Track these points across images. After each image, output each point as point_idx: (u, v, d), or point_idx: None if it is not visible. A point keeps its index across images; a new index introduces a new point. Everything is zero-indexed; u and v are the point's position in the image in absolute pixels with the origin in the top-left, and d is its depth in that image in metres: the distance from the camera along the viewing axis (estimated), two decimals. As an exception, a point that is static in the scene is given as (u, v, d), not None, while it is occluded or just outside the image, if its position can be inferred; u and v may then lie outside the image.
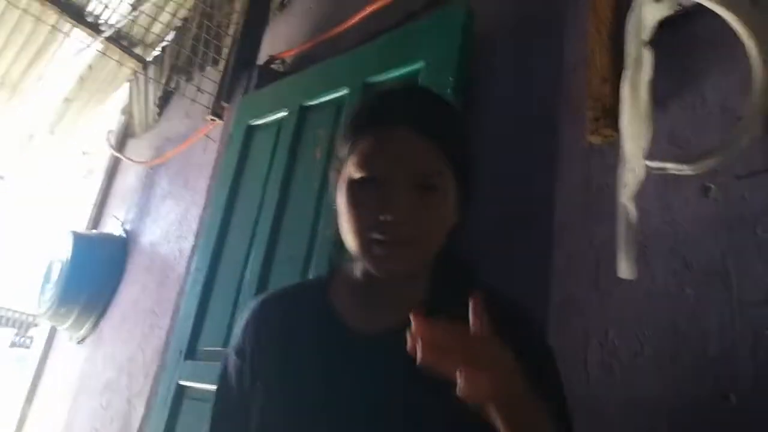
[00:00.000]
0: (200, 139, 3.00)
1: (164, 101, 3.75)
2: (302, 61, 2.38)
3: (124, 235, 3.43)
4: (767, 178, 0.90)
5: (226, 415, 0.79)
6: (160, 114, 3.79)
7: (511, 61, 1.48)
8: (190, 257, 2.40)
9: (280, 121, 2.02)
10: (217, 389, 0.81)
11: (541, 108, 1.34)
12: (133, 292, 3.07)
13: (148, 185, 3.50)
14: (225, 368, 0.80)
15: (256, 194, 1.95)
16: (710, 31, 1.06)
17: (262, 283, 1.74)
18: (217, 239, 2.01)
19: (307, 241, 1.66)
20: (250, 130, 2.15)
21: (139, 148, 3.91)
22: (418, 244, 0.70)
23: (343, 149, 0.74)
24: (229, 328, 1.78)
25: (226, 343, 1.77)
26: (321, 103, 1.89)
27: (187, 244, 2.64)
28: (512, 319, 0.73)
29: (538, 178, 1.26)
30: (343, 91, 1.80)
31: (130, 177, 3.85)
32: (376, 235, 0.68)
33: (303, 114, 1.94)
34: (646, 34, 1.02)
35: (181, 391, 1.81)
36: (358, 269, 0.76)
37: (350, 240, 0.71)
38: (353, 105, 0.81)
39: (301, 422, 0.72)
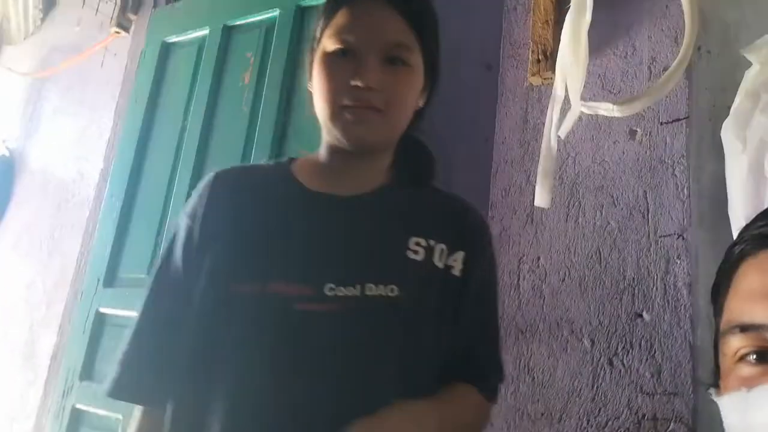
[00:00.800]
0: (97, 51, 2.76)
1: (48, 4, 3.36)
2: (218, -25, 2.23)
3: (7, 154, 3.13)
4: (687, 126, 1.02)
5: (166, 282, 0.75)
6: (43, 19, 3.40)
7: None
8: (100, 181, 2.26)
9: (201, 40, 1.90)
10: (162, 257, 0.77)
11: (483, 48, 1.39)
12: (23, 217, 2.86)
13: (33, 99, 3.18)
14: (174, 234, 0.77)
15: (178, 117, 1.85)
16: (642, -16, 1.15)
17: (188, 210, 1.69)
18: (133, 164, 1.90)
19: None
20: (166, 48, 2.01)
21: (18, 57, 3.52)
22: (386, 113, 0.71)
23: (318, 26, 0.75)
24: (154, 253, 1.74)
25: (150, 269, 1.73)
26: (248, 24, 1.80)
27: (89, 165, 2.47)
28: (461, 217, 0.79)
29: (479, 115, 1.32)
30: (274, 13, 1.73)
31: (10, 89, 3.47)
32: (348, 101, 0.69)
33: (227, 34, 1.84)
34: (591, -18, 1.08)
35: (101, 318, 1.76)
36: (324, 146, 0.77)
37: (322, 109, 0.72)
38: None
39: (255, 276, 0.69)
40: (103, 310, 1.76)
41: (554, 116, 1.07)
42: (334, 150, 0.75)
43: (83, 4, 2.33)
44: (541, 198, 1.05)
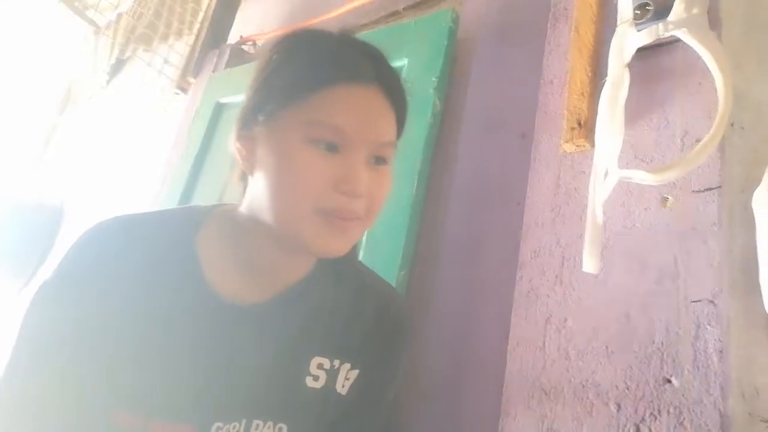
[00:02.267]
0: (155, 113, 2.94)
1: (115, 69, 3.63)
2: (275, 47, 2.40)
3: (59, 205, 3.29)
4: (718, 195, 1.03)
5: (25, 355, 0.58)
6: (108, 81, 3.67)
7: (490, 67, 1.58)
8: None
9: (252, 101, 2.03)
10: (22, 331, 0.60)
11: (517, 114, 1.45)
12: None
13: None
14: (40, 302, 0.60)
15: (223, 170, 1.95)
16: (674, 63, 1.20)
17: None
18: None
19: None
20: (219, 108, 2.15)
21: (81, 116, 3.77)
22: (366, 221, 0.64)
23: (281, 97, 0.62)
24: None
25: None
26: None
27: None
28: (382, 314, 0.72)
29: (512, 180, 1.36)
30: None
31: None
32: (330, 208, 0.59)
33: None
34: (627, 57, 1.13)
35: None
36: (251, 231, 0.64)
37: (288, 208, 0.60)
38: (302, 48, 0.63)
39: (136, 409, 0.57)
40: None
41: (597, 184, 1.09)
42: (261, 233, 0.62)
43: (148, 64, 2.51)
44: (589, 264, 1.07)
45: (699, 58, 1.16)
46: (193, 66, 2.47)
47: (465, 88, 1.61)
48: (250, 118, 0.65)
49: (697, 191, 1.06)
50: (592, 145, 1.21)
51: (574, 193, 1.21)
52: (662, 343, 0.99)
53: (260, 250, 0.65)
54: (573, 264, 1.14)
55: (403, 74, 1.62)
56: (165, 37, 3.07)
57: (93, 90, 3.75)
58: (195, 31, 2.56)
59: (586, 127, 1.22)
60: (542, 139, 1.33)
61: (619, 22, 1.22)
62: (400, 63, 1.65)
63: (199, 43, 2.50)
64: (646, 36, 1.14)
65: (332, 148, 0.60)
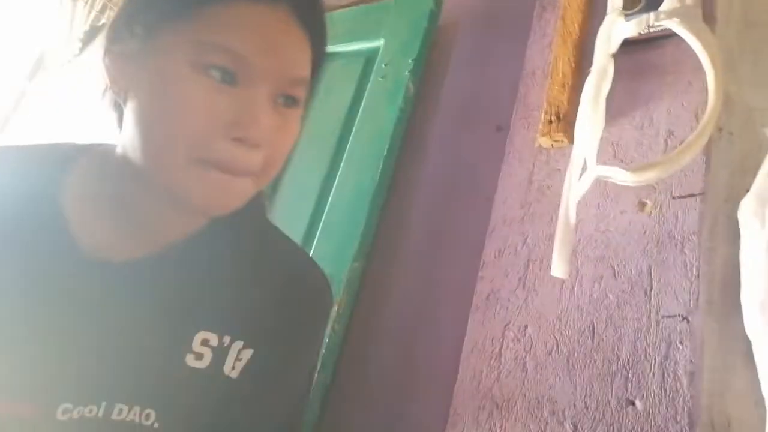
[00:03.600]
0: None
1: (90, 36, 3.48)
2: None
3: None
4: (701, 202, 0.94)
5: None
6: (81, 48, 3.51)
7: (471, 56, 1.48)
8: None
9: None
10: None
11: (494, 106, 1.35)
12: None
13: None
14: None
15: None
16: (663, 59, 1.11)
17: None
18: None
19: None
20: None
21: (50, 83, 3.60)
22: (261, 177, 0.51)
23: (166, 8, 0.49)
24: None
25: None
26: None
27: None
28: (289, 285, 0.60)
29: (483, 174, 1.26)
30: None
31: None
32: (217, 156, 0.47)
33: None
34: (613, 47, 1.04)
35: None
36: (126, 168, 0.51)
37: (160, 154, 0.48)
38: None
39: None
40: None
41: (573, 181, 1.00)
42: (142, 187, 0.51)
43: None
44: (558, 268, 0.96)
45: (689, 55, 1.07)
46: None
47: (443, 75, 1.51)
48: (123, 29, 0.51)
49: (679, 197, 0.97)
50: (570, 141, 1.11)
51: (547, 191, 1.12)
52: (628, 361, 0.90)
53: (134, 198, 0.53)
54: (539, 266, 1.05)
55: (379, 55, 1.52)
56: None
57: (65, 57, 3.58)
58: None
59: (565, 120, 1.13)
60: (518, 133, 1.23)
61: (608, 11, 1.13)
62: (376, 43, 1.55)
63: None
64: (635, 26, 1.05)
65: (229, 78, 0.47)
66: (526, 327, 1.02)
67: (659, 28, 1.05)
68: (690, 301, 0.89)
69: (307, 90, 0.54)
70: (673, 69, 1.08)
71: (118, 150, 0.54)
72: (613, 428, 0.86)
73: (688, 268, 0.91)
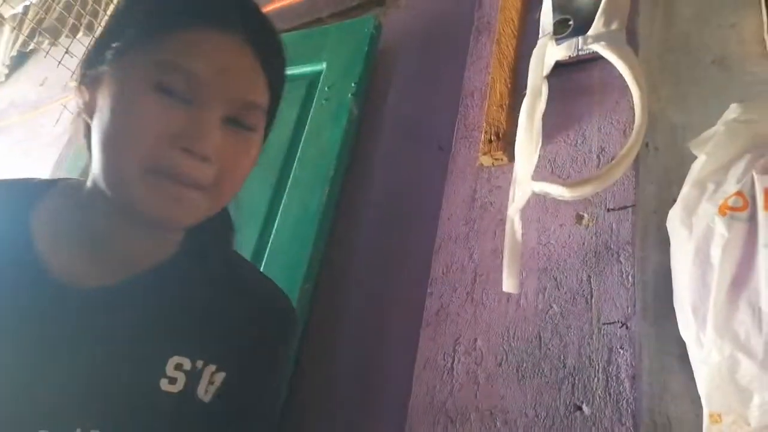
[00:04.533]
0: (55, 110, 2.71)
1: (17, 63, 3.35)
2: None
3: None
4: (633, 213, 1.00)
5: None
6: (8, 75, 3.37)
7: (411, 78, 1.52)
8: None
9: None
10: None
11: (436, 126, 1.39)
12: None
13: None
14: None
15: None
16: (592, 80, 1.18)
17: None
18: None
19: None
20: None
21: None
22: (214, 192, 0.52)
23: (132, 33, 0.53)
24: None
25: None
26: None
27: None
28: (258, 311, 0.63)
29: (428, 193, 1.29)
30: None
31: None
32: (167, 168, 0.49)
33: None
34: (546, 70, 1.10)
35: None
36: (92, 194, 0.54)
37: (117, 166, 0.50)
38: None
39: None
40: None
41: (517, 197, 1.03)
42: (107, 204, 0.52)
43: (46, 55, 2.29)
44: (509, 284, 0.99)
45: (616, 76, 1.14)
46: (99, 60, 2.27)
47: (384, 97, 1.54)
48: (96, 56, 0.55)
49: (613, 209, 1.03)
50: (510, 159, 1.16)
51: (489, 207, 1.16)
52: (574, 368, 0.93)
53: (104, 226, 0.55)
54: (485, 280, 1.08)
55: (321, 78, 1.54)
56: (74, 30, 2.85)
57: (-11, 83, 3.43)
58: (104, 23, 2.37)
59: (504, 139, 1.18)
60: (460, 152, 1.27)
61: (540, 35, 1.19)
62: (318, 67, 1.57)
63: (107, 36, 2.31)
64: (565, 49, 1.11)
65: (181, 96, 0.50)
66: (476, 340, 1.04)
67: (587, 52, 1.12)
68: (628, 307, 0.93)
69: (264, 116, 0.57)
70: (601, 89, 1.15)
71: (88, 182, 0.56)
72: (555, 434, 0.89)
73: (624, 276, 0.96)
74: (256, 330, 0.62)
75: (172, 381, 0.53)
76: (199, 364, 0.55)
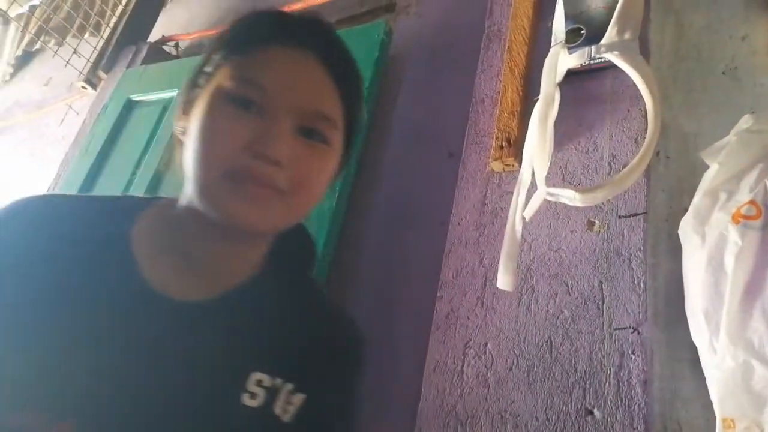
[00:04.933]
0: (60, 110, 2.71)
1: (22, 62, 3.36)
2: (198, 50, 2.28)
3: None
4: (644, 220, 1.01)
5: None
6: (12, 74, 3.38)
7: (421, 84, 1.53)
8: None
9: (167, 101, 1.89)
10: None
11: (446, 133, 1.40)
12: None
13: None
14: None
15: (127, 172, 1.78)
16: (603, 89, 1.19)
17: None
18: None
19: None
20: (130, 105, 1.99)
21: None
22: (290, 198, 0.55)
23: (213, 56, 0.58)
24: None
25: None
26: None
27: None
28: (335, 338, 0.65)
29: (437, 199, 1.30)
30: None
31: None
32: (242, 170, 0.52)
33: (196, 97, 1.84)
34: (558, 77, 1.11)
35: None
36: (184, 210, 0.58)
37: (201, 170, 0.53)
38: (247, 17, 0.61)
39: (40, 409, 0.47)
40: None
41: (520, 199, 1.04)
42: (199, 220, 0.55)
43: (54, 54, 2.30)
44: (504, 281, 0.99)
45: (627, 85, 1.15)
46: (106, 60, 2.29)
47: (394, 104, 1.55)
48: (193, 83, 0.61)
49: (624, 216, 1.03)
50: (521, 165, 1.17)
51: (500, 213, 1.16)
52: (585, 372, 0.94)
53: (197, 240, 0.59)
54: (496, 285, 1.08)
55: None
56: (81, 30, 2.86)
57: (-6, 82, 3.43)
58: (112, 24, 2.38)
59: (515, 146, 1.19)
60: (470, 158, 1.28)
61: (552, 43, 1.20)
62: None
63: (115, 36, 2.33)
64: (577, 57, 1.12)
65: (250, 106, 0.55)
66: (486, 344, 1.05)
67: (599, 60, 1.13)
68: (639, 313, 0.94)
69: (338, 131, 0.60)
70: (613, 98, 1.16)
71: (181, 201, 0.60)
72: (573, 438, 0.90)
73: (635, 282, 0.97)
74: (336, 357, 0.63)
75: (253, 396, 0.55)
76: (278, 381, 0.57)
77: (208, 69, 0.59)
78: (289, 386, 0.57)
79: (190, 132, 0.56)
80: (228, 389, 0.54)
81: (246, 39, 0.58)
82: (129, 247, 0.57)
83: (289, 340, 0.60)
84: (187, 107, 0.60)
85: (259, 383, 0.55)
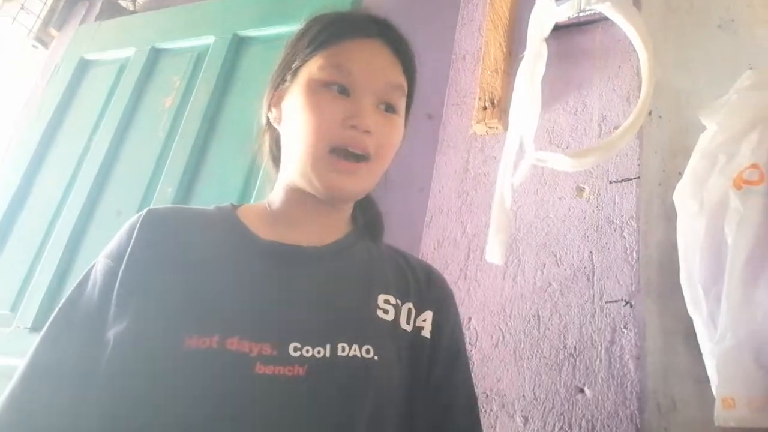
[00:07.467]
0: (8, 70, 2.53)
1: None
2: (157, 5, 2.12)
3: None
4: (637, 186, 0.95)
5: (69, 321, 0.61)
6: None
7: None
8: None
9: (124, 60, 1.75)
10: (69, 295, 0.64)
11: (423, 93, 1.31)
12: None
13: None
14: (87, 274, 0.66)
15: (82, 136, 1.66)
16: (593, 44, 1.11)
17: (75, 239, 1.47)
18: (21, 182, 1.67)
19: (142, 195, 1.44)
20: (84, 65, 1.84)
21: None
22: (374, 162, 0.66)
23: (298, 53, 0.70)
24: (21, 292, 1.47)
25: (14, 308, 1.47)
26: (179, 49, 1.68)
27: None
28: (424, 275, 0.74)
29: (415, 164, 1.22)
30: (208, 39, 1.62)
31: None
32: (340, 142, 0.64)
33: (154, 56, 1.71)
34: (546, 31, 1.03)
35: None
36: (283, 191, 0.70)
37: (308, 148, 0.65)
38: (322, 17, 0.72)
39: (211, 329, 0.58)
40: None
41: (508, 166, 0.97)
42: (298, 196, 0.69)
43: (14, 17, 2.12)
44: (493, 253, 0.93)
45: (619, 39, 1.08)
46: (58, 16, 2.12)
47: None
48: (279, 79, 0.71)
49: (615, 181, 0.97)
50: (505, 128, 1.10)
51: (483, 179, 1.09)
52: (575, 348, 0.89)
53: (298, 203, 0.70)
54: (480, 256, 1.02)
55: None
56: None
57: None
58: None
59: (499, 107, 1.11)
60: (451, 120, 1.20)
61: (539, -5, 1.11)
62: (296, 27, 1.46)
63: (66, -9, 2.15)
64: (566, 9, 1.04)
65: (343, 90, 0.66)
66: (470, 319, 0.99)
67: (589, 12, 1.05)
68: (632, 285, 0.89)
69: (404, 99, 0.71)
70: (603, 53, 1.09)
71: (277, 187, 0.72)
72: (564, 417, 0.85)
73: (628, 252, 0.91)
74: (435, 285, 0.73)
75: (385, 311, 0.66)
76: (399, 301, 0.67)
77: (296, 64, 0.69)
78: (409, 305, 0.68)
79: (291, 118, 0.68)
80: (367, 305, 0.65)
81: (329, 36, 0.69)
82: (239, 220, 0.69)
83: (395, 276, 0.71)
84: (276, 100, 0.72)
85: (387, 302, 0.67)
